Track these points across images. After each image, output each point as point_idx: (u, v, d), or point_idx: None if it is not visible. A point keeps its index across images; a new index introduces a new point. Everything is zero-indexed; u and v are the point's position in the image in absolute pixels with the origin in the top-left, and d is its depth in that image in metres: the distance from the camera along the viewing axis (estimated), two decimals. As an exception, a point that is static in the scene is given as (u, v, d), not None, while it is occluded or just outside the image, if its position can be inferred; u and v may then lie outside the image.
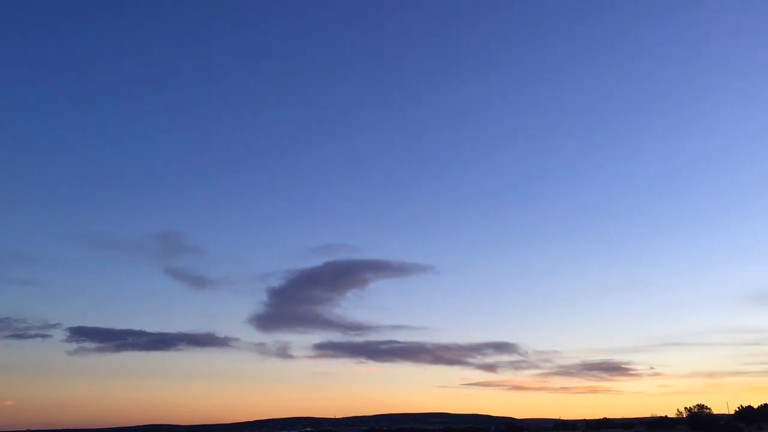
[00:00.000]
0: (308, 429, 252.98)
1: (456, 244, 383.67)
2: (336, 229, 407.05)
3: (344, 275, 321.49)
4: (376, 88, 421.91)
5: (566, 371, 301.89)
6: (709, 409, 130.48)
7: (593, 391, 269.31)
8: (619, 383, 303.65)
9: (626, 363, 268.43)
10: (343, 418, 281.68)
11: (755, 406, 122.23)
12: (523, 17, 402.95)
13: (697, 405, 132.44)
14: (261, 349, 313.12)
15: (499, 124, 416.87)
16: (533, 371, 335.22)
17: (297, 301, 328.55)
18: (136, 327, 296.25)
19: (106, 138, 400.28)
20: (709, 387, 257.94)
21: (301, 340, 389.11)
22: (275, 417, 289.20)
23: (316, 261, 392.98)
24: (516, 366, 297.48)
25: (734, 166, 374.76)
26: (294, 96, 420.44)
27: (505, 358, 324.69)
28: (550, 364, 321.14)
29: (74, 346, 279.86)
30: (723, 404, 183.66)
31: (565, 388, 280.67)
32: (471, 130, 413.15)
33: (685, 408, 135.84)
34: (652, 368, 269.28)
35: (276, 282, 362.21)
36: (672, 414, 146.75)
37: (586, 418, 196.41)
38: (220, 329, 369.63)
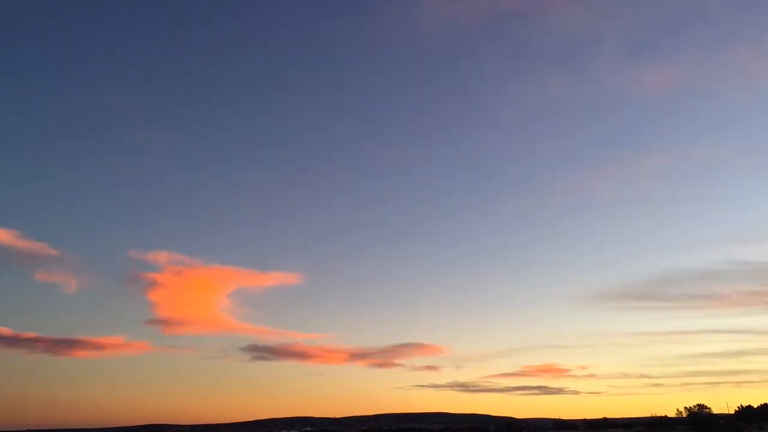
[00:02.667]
0: (308, 429, 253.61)
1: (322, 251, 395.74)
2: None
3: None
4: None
5: (510, 372, 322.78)
6: (709, 408, 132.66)
7: (547, 392, 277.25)
8: (567, 383, 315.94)
9: (560, 364, 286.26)
10: (343, 418, 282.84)
11: (755, 406, 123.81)
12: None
13: (697, 405, 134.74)
14: (200, 350, 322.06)
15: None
16: (478, 373, 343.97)
17: (173, 305, 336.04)
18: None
19: None
20: (652, 387, 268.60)
21: (219, 342, 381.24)
22: (275, 417, 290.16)
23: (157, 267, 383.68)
24: (456, 366, 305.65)
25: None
26: (99, 98, 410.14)
27: (433, 360, 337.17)
28: (488, 365, 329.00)
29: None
30: (723, 404, 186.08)
31: (519, 387, 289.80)
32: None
33: (685, 408, 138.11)
34: (583, 368, 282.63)
35: (131, 286, 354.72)
36: (672, 413, 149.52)
37: (586, 418, 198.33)
38: (115, 332, 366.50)
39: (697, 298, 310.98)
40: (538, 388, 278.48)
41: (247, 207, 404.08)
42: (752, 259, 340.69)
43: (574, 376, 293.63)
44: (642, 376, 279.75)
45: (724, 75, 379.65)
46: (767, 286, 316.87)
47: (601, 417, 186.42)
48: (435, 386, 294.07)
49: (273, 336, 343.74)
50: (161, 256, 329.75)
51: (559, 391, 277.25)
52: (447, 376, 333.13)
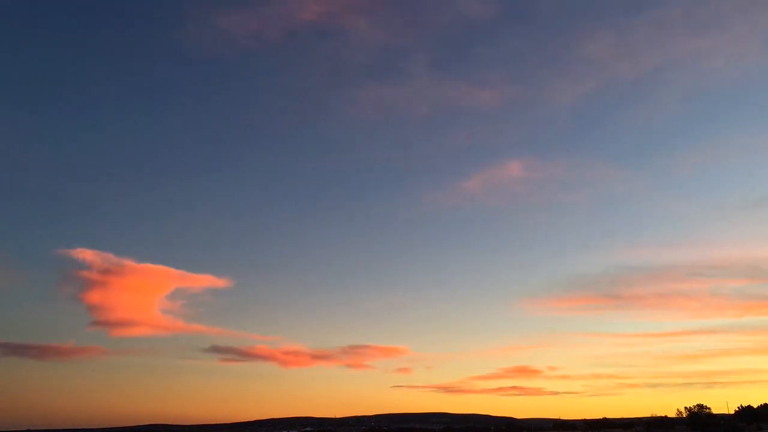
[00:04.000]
0: (308, 429, 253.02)
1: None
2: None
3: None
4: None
5: (486, 373, 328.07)
6: (709, 408, 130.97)
7: (526, 393, 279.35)
8: (544, 384, 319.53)
9: (532, 365, 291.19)
10: (343, 418, 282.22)
11: (755, 406, 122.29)
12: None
13: (697, 405, 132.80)
14: (162, 352, 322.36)
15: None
16: (452, 374, 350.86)
17: (112, 306, 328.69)
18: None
19: None
20: (626, 387, 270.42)
21: (175, 343, 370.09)
22: (275, 417, 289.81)
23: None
24: (427, 367, 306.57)
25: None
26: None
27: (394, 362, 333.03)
28: (460, 366, 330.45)
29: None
30: (723, 404, 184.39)
31: (500, 389, 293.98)
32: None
33: (685, 408, 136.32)
34: (553, 369, 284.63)
35: (64, 286, 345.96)
36: (672, 413, 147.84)
37: (586, 419, 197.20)
38: (59, 334, 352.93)
39: (614, 298, 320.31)
40: (517, 388, 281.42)
41: (172, 207, 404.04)
42: (636, 264, 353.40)
43: (547, 377, 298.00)
44: (611, 376, 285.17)
45: (539, 88, 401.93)
46: (667, 289, 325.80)
47: (601, 417, 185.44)
48: (414, 387, 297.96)
49: (230, 337, 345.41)
50: (87, 254, 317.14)
51: (537, 391, 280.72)
52: (420, 377, 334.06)
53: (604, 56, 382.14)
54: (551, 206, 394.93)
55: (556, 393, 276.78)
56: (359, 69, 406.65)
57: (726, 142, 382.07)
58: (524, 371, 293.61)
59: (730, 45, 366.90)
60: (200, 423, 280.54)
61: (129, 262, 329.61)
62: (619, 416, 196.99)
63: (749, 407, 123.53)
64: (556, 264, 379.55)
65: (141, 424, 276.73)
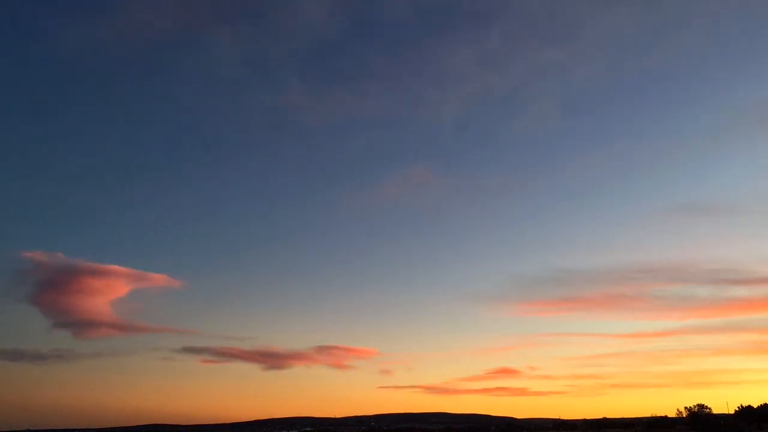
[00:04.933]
0: (308, 429, 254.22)
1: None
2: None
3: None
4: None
5: (473, 374, 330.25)
6: (709, 408, 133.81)
7: (512, 393, 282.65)
8: (528, 384, 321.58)
9: (511, 366, 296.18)
10: (343, 418, 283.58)
11: (755, 406, 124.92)
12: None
13: (697, 405, 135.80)
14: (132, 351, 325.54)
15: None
16: (435, 375, 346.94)
17: (73, 307, 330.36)
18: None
19: None
20: (610, 388, 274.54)
21: (147, 344, 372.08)
22: (275, 417, 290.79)
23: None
24: (409, 369, 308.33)
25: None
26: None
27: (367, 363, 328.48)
28: (440, 367, 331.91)
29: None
30: (723, 404, 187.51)
31: (487, 389, 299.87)
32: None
33: (685, 408, 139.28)
34: (533, 369, 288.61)
35: (18, 287, 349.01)
36: (672, 413, 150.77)
37: (586, 418, 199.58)
38: (23, 338, 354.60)
39: (568, 301, 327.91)
40: (503, 389, 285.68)
41: (121, 207, 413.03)
42: (572, 267, 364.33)
43: (530, 377, 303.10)
44: (592, 376, 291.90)
45: (416, 99, 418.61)
46: (613, 292, 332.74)
47: (601, 417, 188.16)
48: (400, 387, 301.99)
49: (201, 337, 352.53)
50: (40, 256, 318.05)
51: (523, 392, 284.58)
52: (403, 379, 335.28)
53: (470, 68, 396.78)
54: (468, 212, 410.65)
55: (542, 393, 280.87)
56: (234, 78, 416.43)
57: (611, 150, 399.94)
58: (507, 372, 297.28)
59: (584, 54, 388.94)
60: (199, 423, 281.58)
61: (82, 263, 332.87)
62: (617, 416, 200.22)
63: (749, 407, 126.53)
64: (505, 266, 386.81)
65: (140, 424, 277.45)
